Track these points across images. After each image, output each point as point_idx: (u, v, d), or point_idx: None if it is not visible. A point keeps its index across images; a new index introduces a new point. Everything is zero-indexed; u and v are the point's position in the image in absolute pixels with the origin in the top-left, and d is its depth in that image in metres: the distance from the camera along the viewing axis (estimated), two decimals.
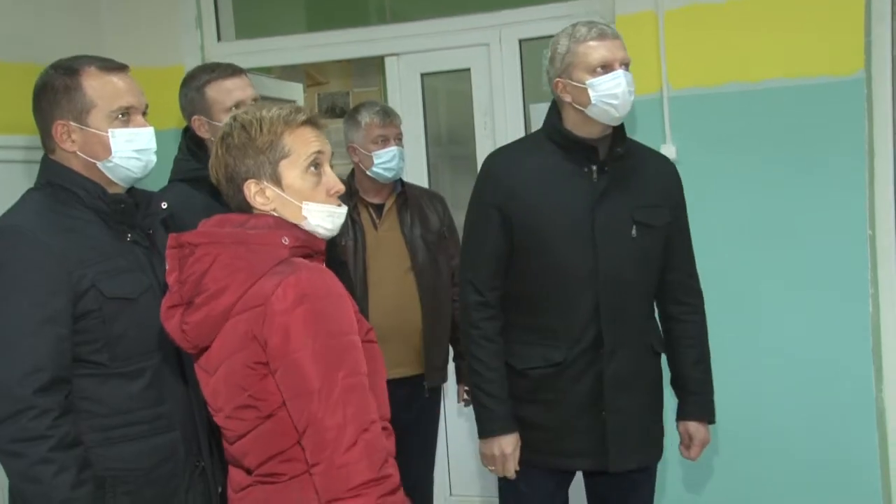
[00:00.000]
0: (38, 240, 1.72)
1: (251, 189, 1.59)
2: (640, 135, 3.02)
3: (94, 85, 1.80)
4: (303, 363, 1.47)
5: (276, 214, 1.59)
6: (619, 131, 2.22)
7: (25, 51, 3.16)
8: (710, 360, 2.35)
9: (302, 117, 1.60)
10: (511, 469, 2.20)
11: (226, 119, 1.68)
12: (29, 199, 1.84)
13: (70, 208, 1.80)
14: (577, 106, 2.16)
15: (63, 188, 1.81)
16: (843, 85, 2.86)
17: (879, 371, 2.96)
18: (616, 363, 2.17)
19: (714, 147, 3.00)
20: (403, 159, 2.93)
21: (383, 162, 2.86)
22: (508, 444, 2.19)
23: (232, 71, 2.35)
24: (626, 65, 2.15)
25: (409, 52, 3.53)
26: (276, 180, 1.59)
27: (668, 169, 2.33)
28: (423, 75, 3.57)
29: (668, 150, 2.98)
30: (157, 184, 2.26)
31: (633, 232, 2.18)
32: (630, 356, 2.19)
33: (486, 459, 2.23)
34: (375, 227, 2.91)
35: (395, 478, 1.49)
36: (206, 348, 1.58)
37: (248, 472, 1.60)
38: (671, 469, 3.08)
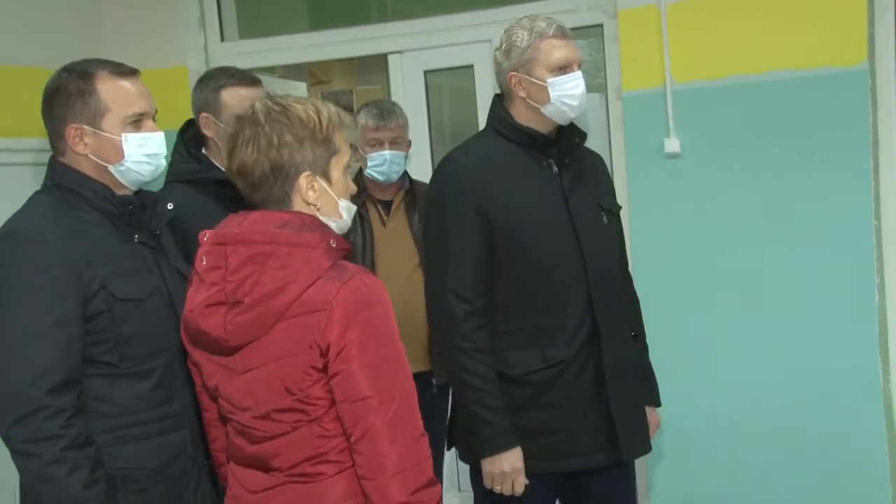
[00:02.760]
0: (48, 242, 1.73)
1: (306, 182, 1.59)
2: (644, 129, 3.04)
3: (108, 90, 1.82)
4: (365, 370, 1.52)
5: (316, 212, 1.61)
6: (572, 122, 2.23)
7: (29, 54, 3.18)
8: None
9: (347, 119, 1.65)
10: (521, 484, 2.10)
11: (252, 106, 1.62)
12: (37, 202, 1.85)
13: (78, 210, 1.81)
14: (531, 102, 2.15)
15: (71, 190, 1.82)
16: (846, 76, 2.86)
17: (886, 361, 2.96)
18: (612, 353, 2.18)
19: (718, 140, 3.00)
20: (401, 162, 2.91)
21: (374, 165, 2.88)
22: (518, 459, 2.09)
23: (250, 80, 2.40)
24: (580, 66, 2.16)
25: (412, 50, 3.54)
26: (326, 176, 1.62)
27: (600, 158, 2.39)
28: (426, 72, 3.58)
29: (673, 144, 2.98)
30: (155, 185, 2.29)
31: (605, 220, 2.23)
32: (621, 345, 2.22)
33: (494, 479, 2.11)
34: (384, 223, 2.93)
35: (431, 473, 1.58)
36: (237, 347, 1.57)
37: (271, 471, 1.60)
38: (675, 461, 3.09)
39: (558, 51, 2.12)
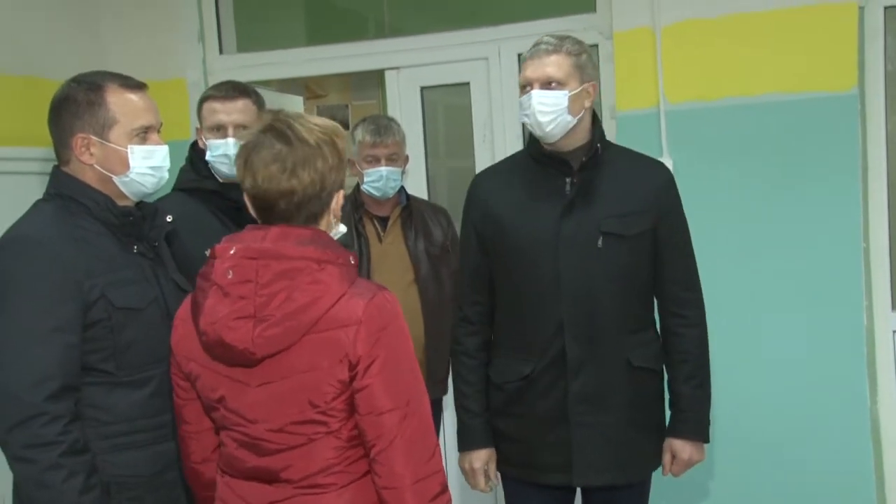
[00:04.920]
0: (49, 249, 1.75)
1: (337, 201, 1.67)
2: (637, 148, 3.04)
3: (117, 102, 1.84)
4: (389, 384, 1.57)
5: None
6: (596, 140, 2.19)
7: (29, 64, 3.20)
8: (706, 377, 2.25)
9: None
10: (481, 483, 2.25)
11: (290, 125, 1.64)
12: (38, 210, 1.86)
13: (79, 219, 1.83)
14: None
15: (73, 199, 1.84)
16: (837, 100, 2.90)
17: (874, 382, 2.99)
18: (583, 379, 2.14)
19: (711, 160, 3.03)
20: (398, 179, 2.91)
21: (371, 181, 2.89)
22: (478, 460, 2.24)
23: (224, 94, 2.43)
24: (551, 82, 2.14)
25: (409, 66, 3.57)
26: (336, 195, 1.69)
27: (657, 176, 2.25)
28: (422, 89, 3.60)
29: (665, 164, 3.01)
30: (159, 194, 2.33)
31: (600, 243, 2.14)
32: (600, 372, 2.15)
33: (464, 473, 2.29)
34: (380, 239, 2.94)
35: (444, 480, 1.64)
36: (260, 360, 1.57)
37: (278, 483, 1.60)
38: (662, 480, 3.10)
39: (524, 70, 2.17)
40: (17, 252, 1.75)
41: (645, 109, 3.06)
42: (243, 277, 1.56)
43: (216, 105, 2.41)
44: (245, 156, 1.61)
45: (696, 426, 2.25)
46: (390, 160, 2.89)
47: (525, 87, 2.17)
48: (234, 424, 1.64)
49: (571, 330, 2.13)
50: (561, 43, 2.17)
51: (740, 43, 2.97)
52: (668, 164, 3.01)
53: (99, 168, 1.84)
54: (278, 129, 1.60)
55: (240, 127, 2.39)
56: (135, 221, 1.89)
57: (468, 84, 3.53)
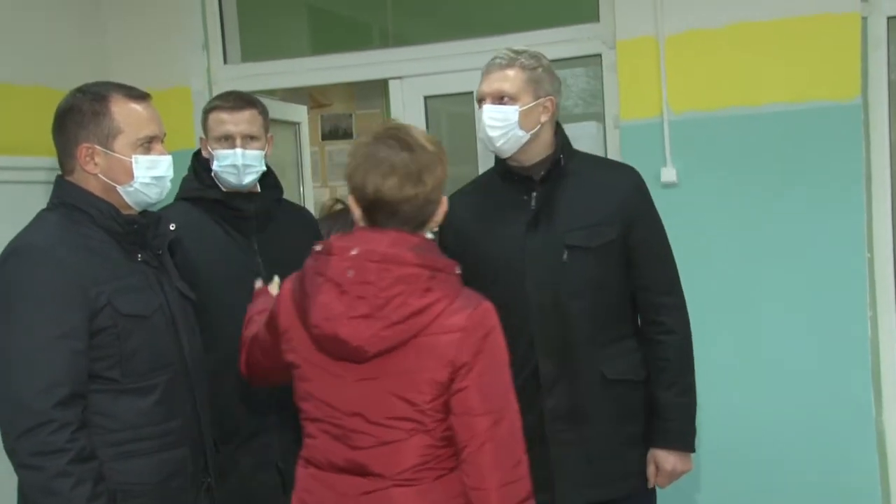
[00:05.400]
0: (55, 257, 1.76)
1: (444, 207, 1.76)
2: (641, 158, 3.06)
3: (122, 112, 1.85)
4: (486, 388, 1.66)
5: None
6: (558, 153, 2.17)
7: (34, 74, 3.21)
8: (688, 385, 2.19)
9: None
10: None
11: (411, 134, 1.73)
12: (43, 219, 1.88)
13: (83, 227, 1.84)
14: None
15: (77, 208, 1.85)
16: (841, 110, 2.90)
17: (879, 394, 2.97)
18: (557, 395, 2.12)
19: (714, 170, 3.03)
20: None
21: None
22: None
23: (231, 105, 2.44)
24: (503, 97, 2.13)
25: (413, 76, 3.57)
26: None
27: (622, 183, 2.20)
28: (426, 98, 3.61)
29: (669, 173, 3.01)
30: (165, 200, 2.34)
31: (565, 257, 2.10)
32: (575, 388, 2.12)
33: None
34: None
35: (530, 487, 1.71)
36: (371, 357, 1.65)
37: (372, 476, 1.67)
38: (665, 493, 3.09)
39: (479, 86, 2.19)
40: (24, 260, 1.76)
41: (648, 119, 3.06)
42: (364, 279, 1.63)
43: (224, 115, 2.42)
44: (366, 163, 1.68)
45: (678, 436, 2.18)
46: None
47: (480, 101, 2.17)
48: (328, 416, 1.70)
49: (542, 346, 2.11)
50: (516, 57, 2.16)
51: (743, 52, 2.97)
52: (672, 173, 3.02)
53: (103, 178, 1.86)
54: (398, 136, 1.69)
55: (247, 137, 2.40)
56: (139, 230, 1.90)
57: (471, 93, 3.52)
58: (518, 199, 2.18)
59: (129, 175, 1.86)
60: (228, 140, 2.40)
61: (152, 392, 1.84)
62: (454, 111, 3.74)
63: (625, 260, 2.16)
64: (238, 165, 2.39)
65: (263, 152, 2.44)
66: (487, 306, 1.70)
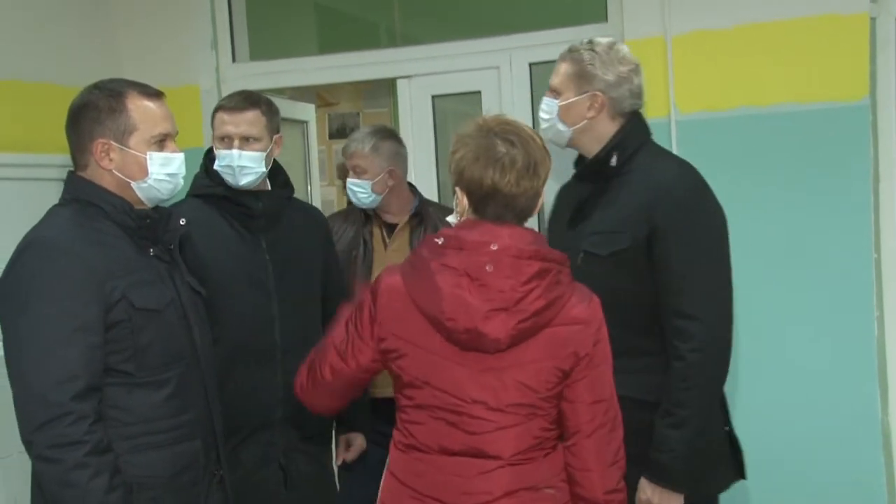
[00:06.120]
0: (70, 250, 1.77)
1: (542, 199, 1.80)
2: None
3: (137, 109, 1.87)
4: (602, 377, 1.77)
5: None
6: (606, 151, 2.12)
7: (44, 71, 3.23)
8: (685, 418, 1.98)
9: None
10: None
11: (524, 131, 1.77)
12: (56, 214, 1.89)
13: (96, 222, 1.86)
14: None
15: (90, 203, 1.86)
16: (849, 111, 2.90)
17: (885, 394, 2.97)
18: None
19: (721, 170, 3.00)
20: (366, 191, 2.87)
21: (350, 191, 2.91)
22: None
23: (233, 106, 2.46)
24: (552, 89, 2.14)
25: (421, 75, 3.58)
26: None
27: (651, 191, 2.03)
28: (433, 97, 3.62)
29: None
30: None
31: (579, 261, 2.00)
32: None
33: None
34: (385, 246, 2.95)
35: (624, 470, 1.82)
36: (505, 349, 1.70)
37: (488, 458, 1.73)
38: None
39: None
40: (39, 254, 1.77)
41: (656, 119, 3.05)
42: (504, 273, 1.68)
43: (225, 116, 2.45)
44: (483, 157, 1.71)
45: (660, 470, 2.01)
46: (357, 172, 2.89)
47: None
48: (445, 404, 1.74)
49: None
50: (575, 49, 2.15)
51: (751, 53, 2.97)
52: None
53: (118, 173, 1.87)
54: (510, 130, 1.74)
55: (245, 138, 2.42)
56: (151, 224, 1.92)
57: (479, 93, 3.54)
58: (575, 193, 2.19)
59: (144, 171, 1.88)
60: (227, 140, 2.43)
61: (166, 385, 1.86)
62: (462, 110, 3.75)
63: (646, 271, 2.02)
64: (233, 166, 2.41)
65: (263, 154, 2.44)
66: (597, 299, 1.78)
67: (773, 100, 2.96)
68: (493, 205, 1.73)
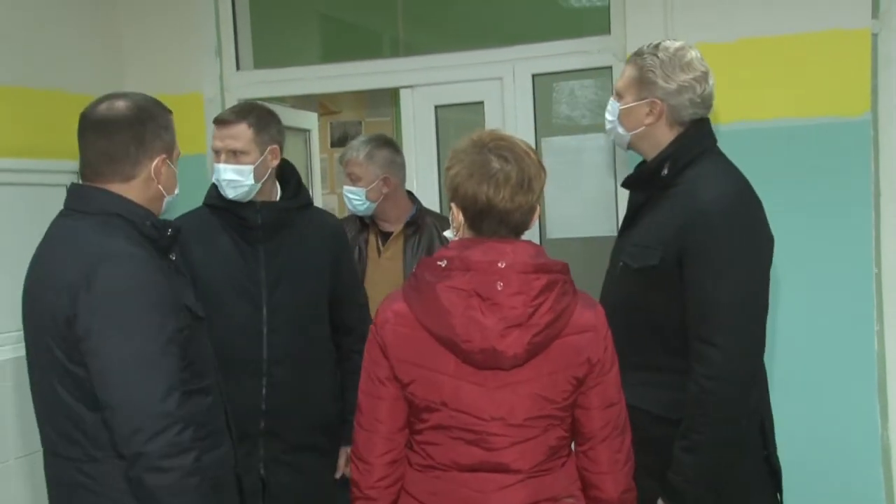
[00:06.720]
0: (148, 262, 1.79)
1: (538, 213, 1.80)
2: None
3: (174, 126, 1.93)
4: (614, 381, 1.80)
5: None
6: (659, 161, 2.07)
7: (49, 78, 3.24)
8: (697, 443, 1.94)
9: None
10: None
11: (520, 146, 1.77)
12: (105, 225, 1.83)
13: (126, 234, 1.84)
14: None
15: (118, 216, 1.83)
16: (850, 126, 2.91)
17: (885, 409, 2.97)
18: None
19: None
20: (360, 199, 2.90)
21: (346, 198, 2.93)
22: None
23: (222, 119, 2.49)
24: (617, 92, 2.14)
25: (424, 85, 3.60)
26: None
27: (686, 209, 1.98)
28: (436, 107, 3.63)
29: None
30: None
31: (618, 269, 2.09)
32: None
33: None
34: (379, 254, 2.96)
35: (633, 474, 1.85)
36: (520, 364, 1.70)
37: (508, 472, 1.73)
38: None
39: None
40: (122, 267, 1.75)
41: None
42: (515, 290, 1.68)
43: (216, 129, 2.49)
44: (477, 173, 1.70)
45: (673, 493, 1.99)
46: (353, 179, 2.91)
47: None
48: (463, 424, 1.72)
49: None
50: (641, 53, 2.10)
51: (753, 66, 2.98)
52: None
53: (160, 188, 1.90)
54: (502, 146, 1.73)
55: (231, 152, 2.43)
56: (173, 234, 1.92)
57: (482, 103, 3.55)
58: (633, 199, 2.18)
59: (174, 186, 1.94)
60: (217, 154, 2.46)
61: (209, 392, 1.91)
62: (465, 120, 3.76)
63: (676, 290, 1.97)
64: (220, 180, 2.45)
65: (251, 167, 2.43)
66: (600, 306, 1.82)
67: (775, 114, 2.98)
68: (489, 220, 1.72)
